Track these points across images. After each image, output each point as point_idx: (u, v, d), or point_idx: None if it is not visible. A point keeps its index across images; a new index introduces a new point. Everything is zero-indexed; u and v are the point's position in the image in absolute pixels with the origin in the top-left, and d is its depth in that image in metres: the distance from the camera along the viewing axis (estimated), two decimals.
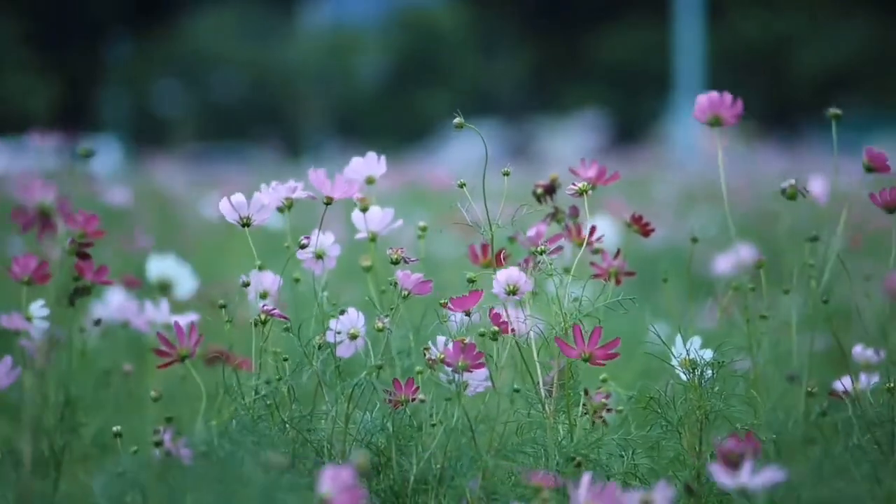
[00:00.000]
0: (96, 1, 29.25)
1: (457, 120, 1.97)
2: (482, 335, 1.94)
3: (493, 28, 30.20)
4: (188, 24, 29.90)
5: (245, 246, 2.01)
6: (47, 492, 1.99)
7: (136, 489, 1.76)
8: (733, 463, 1.72)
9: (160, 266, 2.58)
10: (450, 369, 1.90)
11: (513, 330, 1.95)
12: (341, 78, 29.06)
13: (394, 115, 28.50)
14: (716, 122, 2.02)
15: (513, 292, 1.95)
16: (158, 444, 1.85)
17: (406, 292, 1.96)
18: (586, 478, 1.67)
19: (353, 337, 1.97)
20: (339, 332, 1.95)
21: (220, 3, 29.97)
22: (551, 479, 1.71)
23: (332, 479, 1.60)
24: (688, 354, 1.96)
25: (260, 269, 2.00)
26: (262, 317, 1.94)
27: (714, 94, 2.01)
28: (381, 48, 29.82)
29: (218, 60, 29.25)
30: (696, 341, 1.97)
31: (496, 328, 1.94)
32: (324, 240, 2.04)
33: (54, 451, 2.03)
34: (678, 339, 1.97)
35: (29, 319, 2.03)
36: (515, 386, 1.99)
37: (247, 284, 1.97)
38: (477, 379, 1.95)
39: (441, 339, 1.95)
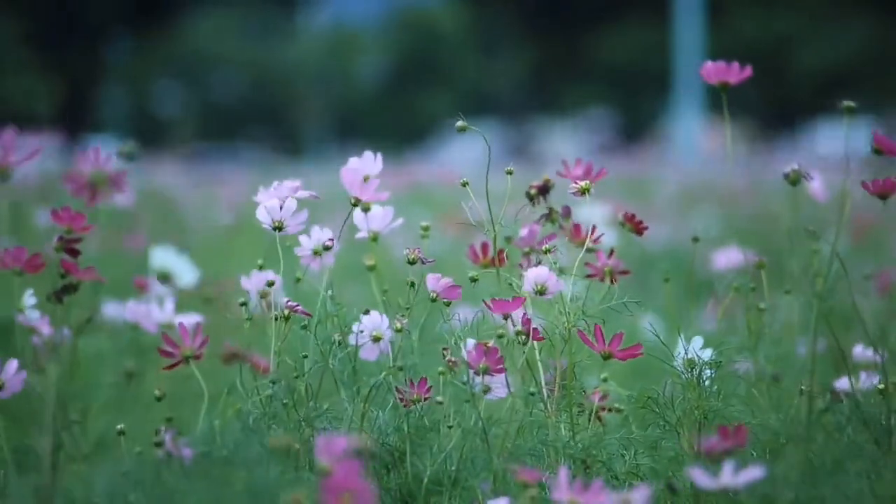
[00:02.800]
0: (96, 1, 29.25)
1: (459, 123, 1.98)
2: (501, 337, 1.94)
3: (493, 28, 30.21)
4: (188, 24, 29.91)
5: (246, 246, 2.01)
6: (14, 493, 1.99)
7: (136, 489, 1.76)
8: (717, 460, 1.73)
9: (161, 257, 2.58)
10: (471, 372, 1.90)
11: (540, 336, 1.96)
12: (341, 78, 29.08)
13: (394, 115, 28.51)
14: (723, 87, 2.08)
15: (541, 292, 1.96)
16: (159, 444, 1.85)
17: (434, 295, 1.98)
18: (563, 474, 1.67)
19: (377, 339, 1.97)
20: (361, 334, 1.95)
21: (220, 3, 29.98)
22: (540, 476, 1.71)
23: (326, 450, 1.54)
24: (686, 354, 1.96)
25: (261, 268, 2.01)
26: (286, 313, 1.95)
27: (719, 62, 2.08)
28: (381, 48, 29.83)
29: (218, 60, 29.26)
30: (697, 341, 1.97)
31: (525, 331, 1.94)
32: (321, 236, 2.04)
33: (50, 451, 2.03)
34: (680, 339, 1.97)
35: (20, 311, 2.03)
36: (531, 389, 1.99)
37: (272, 284, 1.97)
38: (497, 382, 1.95)
39: (471, 341, 1.95)
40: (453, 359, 1.94)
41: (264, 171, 11.66)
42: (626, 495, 1.64)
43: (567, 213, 2.15)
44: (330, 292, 1.99)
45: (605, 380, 2.09)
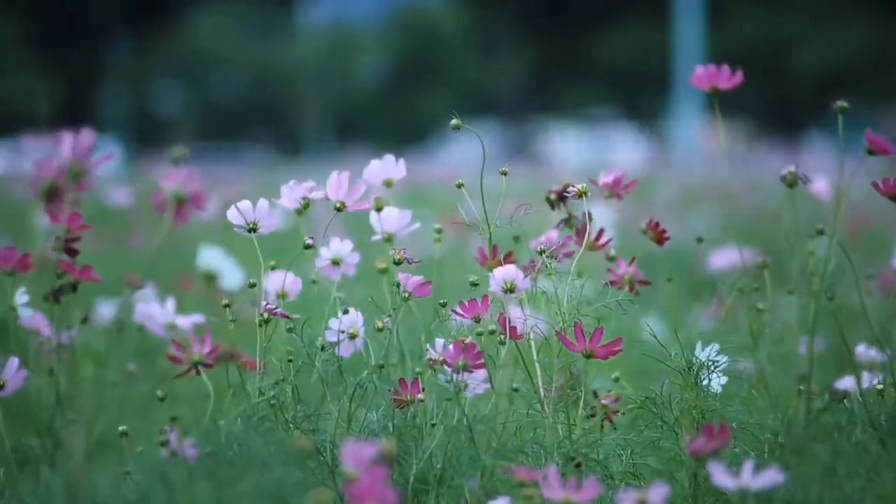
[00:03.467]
0: (96, 1, 29.25)
1: (454, 121, 1.97)
2: (479, 334, 1.93)
3: (493, 28, 30.20)
4: (188, 24, 29.90)
5: (247, 247, 2.01)
6: (42, 490, 1.99)
7: (141, 488, 1.75)
8: (704, 459, 1.73)
9: (208, 256, 2.57)
10: (449, 369, 1.90)
11: (518, 335, 1.95)
12: (341, 78, 29.07)
13: (394, 115, 28.50)
14: (714, 93, 2.07)
15: (510, 290, 1.94)
16: (164, 443, 1.85)
17: (407, 294, 1.96)
18: (553, 472, 1.66)
19: (353, 337, 1.97)
20: (340, 332, 1.95)
21: (221, 2, 29.97)
22: (538, 475, 1.71)
23: (353, 457, 1.54)
24: (698, 358, 1.96)
25: (273, 269, 2.00)
26: (266, 316, 1.94)
27: (711, 66, 2.07)
28: (381, 48, 29.82)
29: (218, 60, 29.25)
30: (700, 343, 1.97)
31: (500, 331, 1.93)
32: (342, 247, 2.03)
33: (48, 450, 2.03)
34: (698, 343, 1.96)
35: (14, 309, 2.03)
36: (515, 386, 1.99)
37: (283, 296, 1.96)
38: (477, 379, 1.95)
39: (440, 340, 1.95)
40: (433, 357, 1.93)
41: (264, 171, 11.66)
42: (643, 494, 1.64)
43: (587, 218, 2.14)
44: (341, 294, 1.98)
45: (616, 379, 2.09)
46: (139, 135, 25.68)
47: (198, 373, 1.90)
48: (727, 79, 2.06)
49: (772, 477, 1.65)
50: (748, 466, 1.66)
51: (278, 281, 1.99)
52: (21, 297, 2.05)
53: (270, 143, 24.35)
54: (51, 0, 28.58)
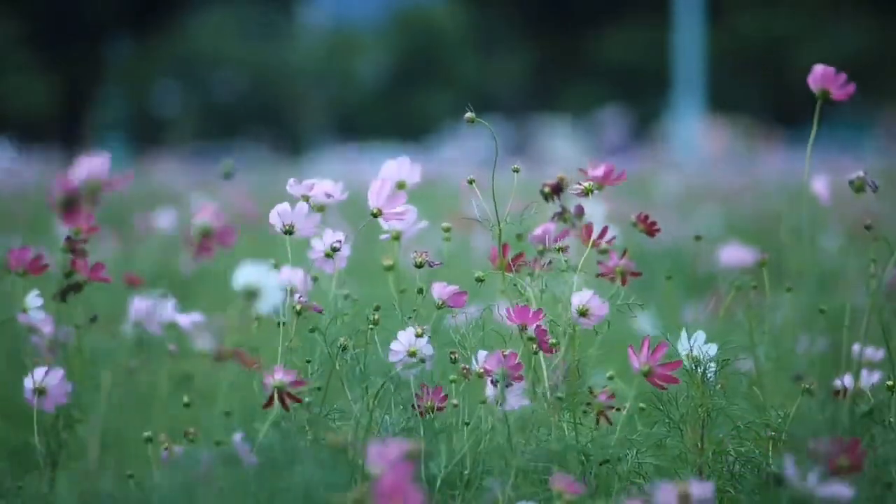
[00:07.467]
0: (96, 1, 29.25)
1: (468, 115, 1.98)
2: (531, 340, 1.92)
3: (494, 28, 30.21)
4: (188, 24, 29.90)
5: (247, 247, 2.01)
6: (42, 490, 2.00)
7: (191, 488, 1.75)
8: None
9: (248, 273, 2.54)
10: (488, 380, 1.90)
11: (550, 349, 1.94)
12: (341, 78, 29.07)
13: (394, 114, 28.50)
14: (823, 96, 2.05)
15: (583, 314, 1.96)
16: (219, 443, 1.85)
17: (441, 303, 1.97)
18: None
19: (413, 355, 1.94)
20: (398, 351, 1.93)
21: (220, 2, 29.97)
22: (576, 484, 1.72)
23: (378, 456, 1.57)
24: (691, 351, 1.96)
25: (276, 267, 2.00)
26: (298, 308, 1.93)
27: (830, 68, 2.04)
28: (381, 48, 29.82)
29: (218, 60, 29.25)
30: (699, 337, 1.97)
31: (535, 338, 1.93)
32: (333, 238, 2.03)
33: (51, 450, 2.04)
34: (683, 335, 1.97)
35: (25, 311, 2.04)
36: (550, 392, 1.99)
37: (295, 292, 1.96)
38: (515, 392, 1.94)
39: (482, 352, 1.94)
40: (466, 367, 1.93)
41: (265, 170, 11.66)
42: (684, 487, 1.65)
43: (580, 212, 2.15)
44: (346, 292, 1.98)
45: (610, 378, 2.09)
46: (139, 135, 25.68)
47: (284, 404, 1.88)
48: (839, 87, 2.04)
49: (839, 491, 1.65)
50: (814, 473, 1.66)
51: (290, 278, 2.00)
52: (34, 299, 2.05)
53: (270, 142, 24.34)
54: (51, 0, 28.58)
